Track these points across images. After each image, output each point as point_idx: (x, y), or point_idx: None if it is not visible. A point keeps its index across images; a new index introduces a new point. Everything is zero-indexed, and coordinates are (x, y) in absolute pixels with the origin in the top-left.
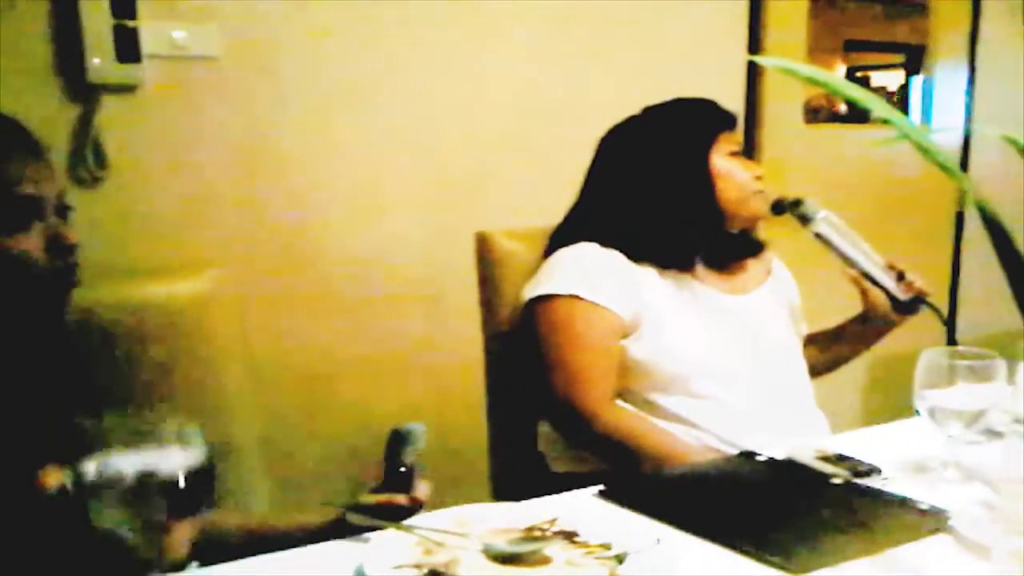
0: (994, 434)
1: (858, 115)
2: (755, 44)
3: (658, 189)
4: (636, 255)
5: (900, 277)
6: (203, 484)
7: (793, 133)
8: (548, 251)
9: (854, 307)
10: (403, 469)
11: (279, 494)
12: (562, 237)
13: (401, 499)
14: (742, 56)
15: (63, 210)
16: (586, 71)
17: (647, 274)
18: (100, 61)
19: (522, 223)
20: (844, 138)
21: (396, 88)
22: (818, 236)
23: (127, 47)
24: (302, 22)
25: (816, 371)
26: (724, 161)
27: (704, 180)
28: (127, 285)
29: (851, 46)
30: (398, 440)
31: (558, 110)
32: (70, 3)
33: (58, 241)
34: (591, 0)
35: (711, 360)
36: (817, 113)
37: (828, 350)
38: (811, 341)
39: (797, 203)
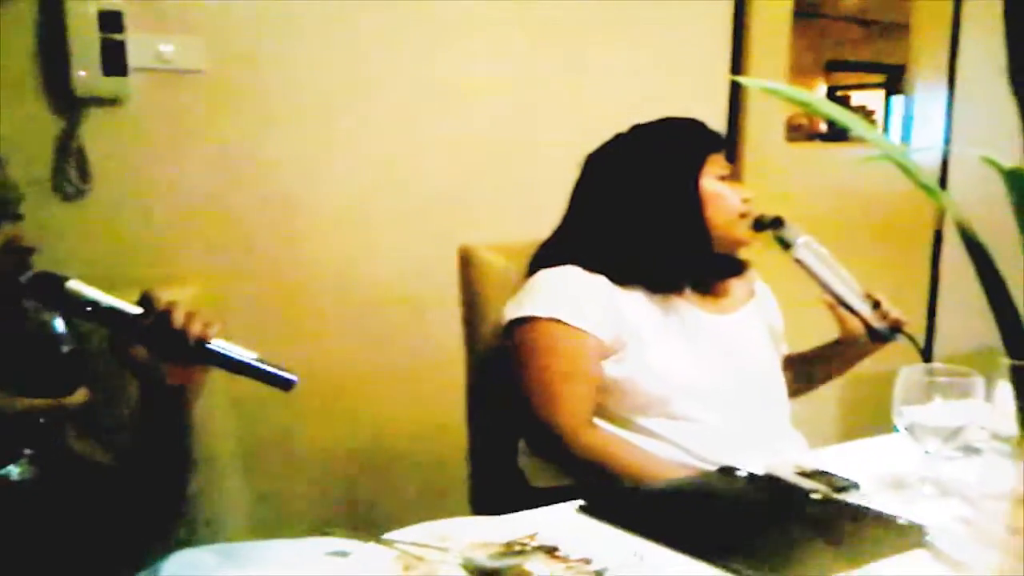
0: (972, 450)
1: (839, 133)
2: (738, 63)
3: (646, 213)
4: (622, 279)
5: (876, 306)
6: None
7: (775, 151)
8: (531, 270)
9: (833, 328)
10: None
11: (258, 508)
12: (546, 257)
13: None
14: (725, 74)
15: (17, 217)
16: (569, 88)
17: (633, 297)
18: (86, 74)
19: (505, 237)
20: (825, 156)
21: (380, 101)
22: (798, 261)
23: (114, 60)
24: (287, 37)
25: (791, 393)
26: (714, 185)
27: (694, 204)
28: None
29: (832, 66)
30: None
31: (542, 125)
32: (57, 16)
33: (15, 244)
34: (574, 17)
35: (693, 381)
36: (798, 131)
37: (803, 373)
38: (787, 363)
39: (777, 222)
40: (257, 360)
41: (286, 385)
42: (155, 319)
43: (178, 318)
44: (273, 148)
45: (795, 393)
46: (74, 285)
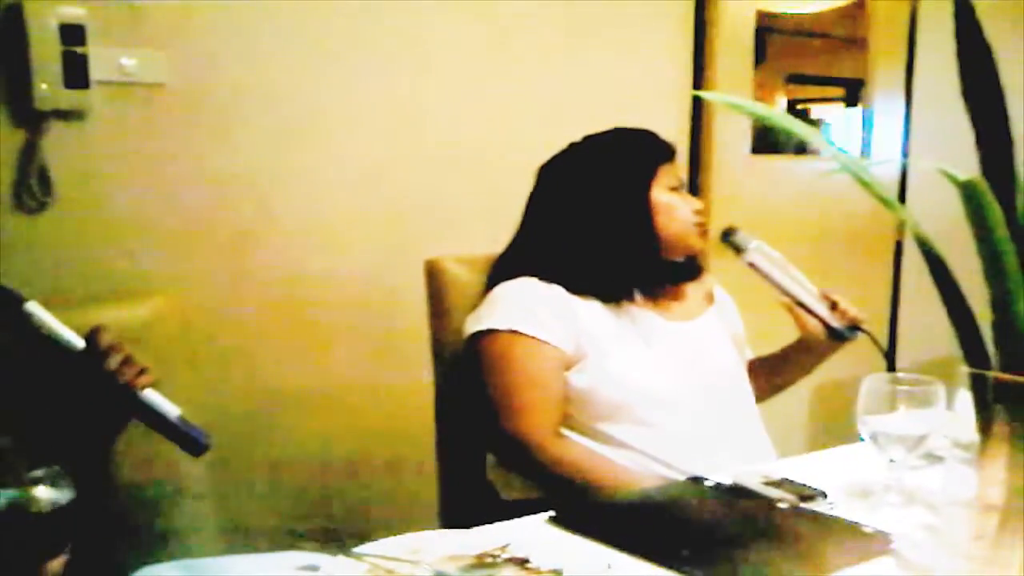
0: (935, 458)
1: (801, 146)
2: (700, 76)
3: (597, 223)
4: (576, 288)
5: (834, 306)
6: (67, 522)
7: (740, 163)
8: (489, 284)
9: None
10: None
11: (226, 523)
12: (503, 270)
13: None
14: (688, 88)
15: None
16: (533, 102)
17: (589, 305)
18: (47, 87)
19: (472, 250)
20: (789, 169)
21: (343, 115)
22: (751, 265)
23: (75, 73)
24: (250, 50)
25: (757, 397)
26: (665, 196)
27: (644, 215)
28: (72, 312)
29: (792, 80)
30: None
31: (507, 138)
32: (18, 29)
33: None
34: (537, 32)
35: (655, 387)
36: (763, 144)
37: (767, 376)
38: (751, 368)
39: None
40: (179, 419)
41: (196, 449)
42: (92, 358)
43: (113, 362)
44: (237, 162)
45: (760, 398)
46: (32, 307)
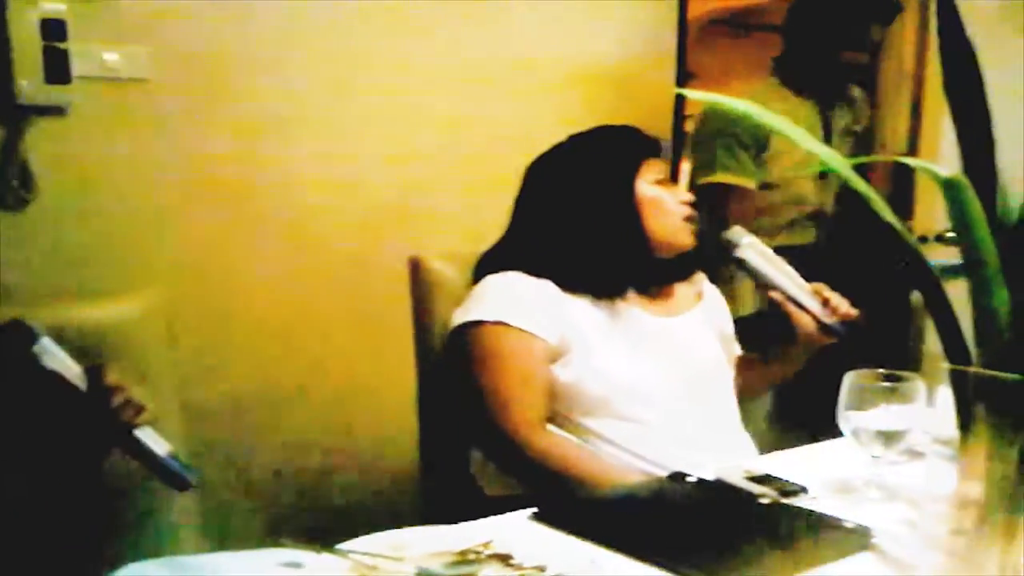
0: (915, 454)
1: None
2: (683, 72)
3: (584, 219)
4: (567, 285)
5: (825, 303)
6: None
7: None
8: (476, 277)
9: None
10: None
11: (209, 520)
12: (490, 264)
13: None
14: (671, 85)
15: None
16: (519, 100)
17: (577, 301)
18: (29, 83)
19: (455, 247)
20: None
21: (326, 110)
22: (742, 261)
23: (57, 69)
24: (233, 45)
25: (750, 392)
26: (650, 189)
27: (630, 209)
28: (53, 309)
29: None
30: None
31: (492, 134)
32: None
33: None
34: (522, 28)
35: (639, 383)
36: None
37: (759, 372)
38: (741, 365)
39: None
40: (169, 454)
41: (182, 485)
42: (94, 396)
43: (114, 402)
44: (219, 158)
45: (752, 394)
46: (45, 344)
